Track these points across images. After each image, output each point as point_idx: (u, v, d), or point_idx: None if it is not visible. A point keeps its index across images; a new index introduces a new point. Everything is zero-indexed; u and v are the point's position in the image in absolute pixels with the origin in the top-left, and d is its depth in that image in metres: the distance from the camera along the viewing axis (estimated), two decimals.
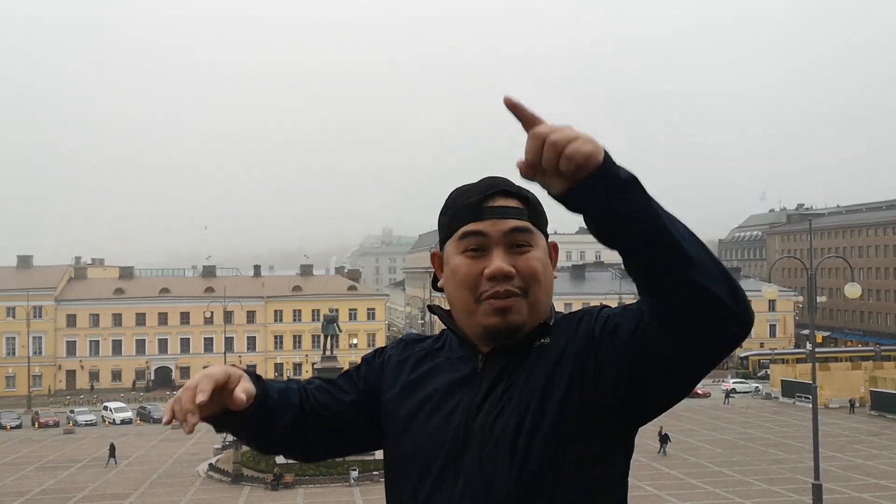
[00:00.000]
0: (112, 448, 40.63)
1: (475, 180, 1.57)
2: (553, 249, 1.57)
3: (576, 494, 1.43)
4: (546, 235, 1.57)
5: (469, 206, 1.50)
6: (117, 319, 76.08)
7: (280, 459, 37.76)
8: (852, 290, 24.10)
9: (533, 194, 1.54)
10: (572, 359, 1.45)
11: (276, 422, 1.55)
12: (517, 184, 1.53)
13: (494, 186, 1.51)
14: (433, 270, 1.66)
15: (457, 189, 1.58)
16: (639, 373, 1.37)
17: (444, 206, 1.57)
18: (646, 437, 44.06)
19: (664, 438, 38.94)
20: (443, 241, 1.58)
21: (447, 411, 1.50)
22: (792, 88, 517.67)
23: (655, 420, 1.52)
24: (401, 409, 1.57)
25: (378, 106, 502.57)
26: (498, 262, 1.47)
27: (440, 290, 1.61)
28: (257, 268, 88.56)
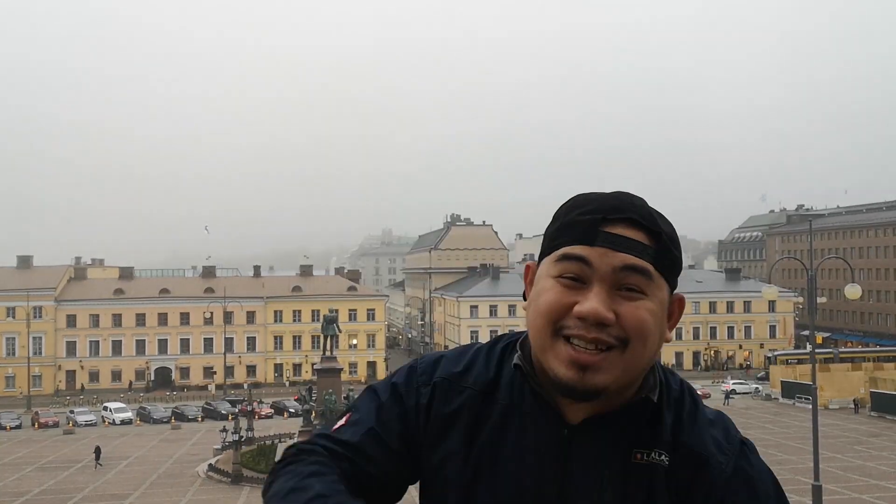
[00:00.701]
0: (97, 451, 39.91)
1: (608, 191, 1.26)
2: (677, 305, 1.25)
3: None
4: (672, 286, 1.23)
5: (581, 224, 1.20)
6: (117, 320, 76.04)
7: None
8: (852, 291, 24.06)
9: (669, 231, 1.22)
10: None
11: None
12: (651, 212, 1.23)
13: (620, 210, 1.20)
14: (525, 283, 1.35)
15: (578, 196, 1.26)
16: None
17: (555, 213, 1.26)
18: None
19: None
20: (542, 255, 1.27)
21: (531, 494, 1.24)
22: (793, 89, 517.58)
23: None
24: (465, 470, 1.28)
25: (378, 106, 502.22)
26: (594, 301, 1.15)
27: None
28: (257, 268, 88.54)
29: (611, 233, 1.18)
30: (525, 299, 1.32)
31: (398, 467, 1.30)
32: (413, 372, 1.36)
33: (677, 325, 1.26)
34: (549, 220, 1.28)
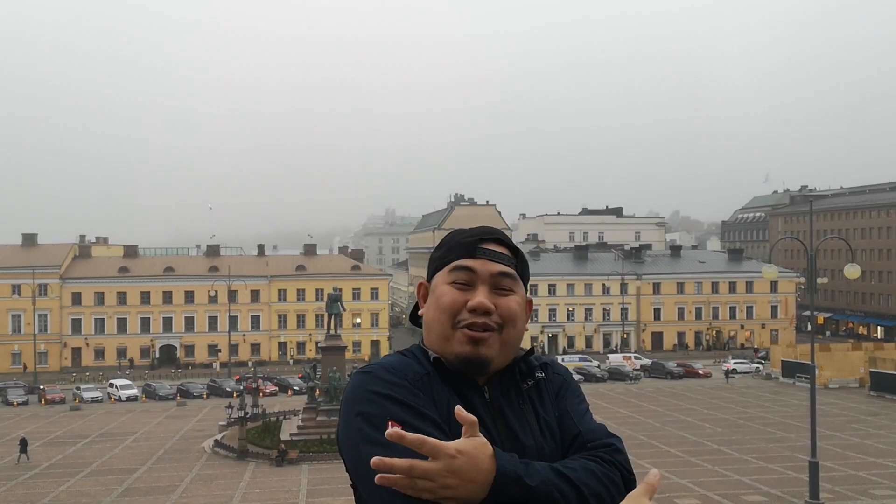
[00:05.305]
0: (23, 443, 36.69)
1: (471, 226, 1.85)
2: (528, 304, 1.80)
3: None
4: (526, 290, 1.81)
5: (465, 244, 1.75)
6: (122, 298, 76.44)
7: (284, 436, 38.22)
8: (852, 271, 24.22)
9: (521, 251, 1.82)
10: (553, 407, 1.79)
11: None
12: (509, 237, 1.82)
13: (490, 233, 1.78)
14: (415, 301, 1.85)
15: (454, 231, 1.83)
16: None
17: (439, 244, 1.83)
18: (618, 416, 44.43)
19: None
20: (431, 274, 1.80)
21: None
22: (797, 71, 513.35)
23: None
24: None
25: (381, 87, 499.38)
26: (482, 297, 1.69)
27: (417, 319, 1.82)
28: (261, 247, 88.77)
29: (487, 248, 1.74)
30: (412, 317, 1.83)
31: None
32: (394, 374, 1.68)
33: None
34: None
